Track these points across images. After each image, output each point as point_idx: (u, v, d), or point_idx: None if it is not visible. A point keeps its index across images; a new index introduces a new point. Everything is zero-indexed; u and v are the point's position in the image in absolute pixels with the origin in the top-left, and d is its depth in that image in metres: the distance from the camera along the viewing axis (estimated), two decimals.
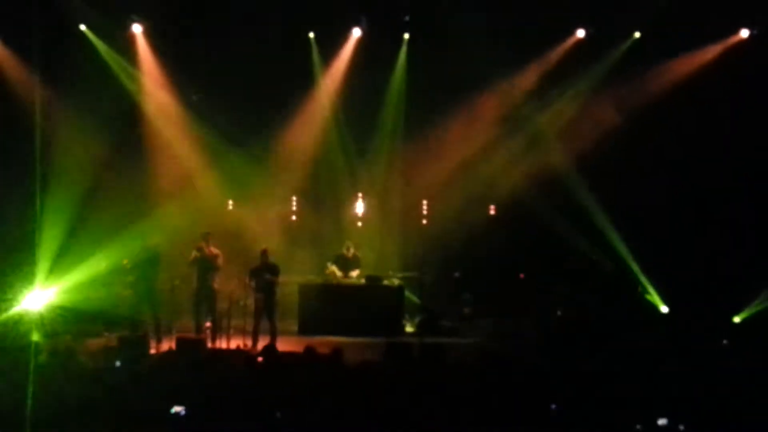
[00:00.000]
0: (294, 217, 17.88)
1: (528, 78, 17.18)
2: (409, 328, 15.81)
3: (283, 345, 12.26)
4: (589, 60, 17.08)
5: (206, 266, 14.11)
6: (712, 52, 16.77)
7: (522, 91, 17.24)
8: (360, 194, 17.95)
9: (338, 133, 17.81)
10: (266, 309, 13.95)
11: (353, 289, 15.71)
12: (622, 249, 16.69)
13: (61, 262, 15.27)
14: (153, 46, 17.03)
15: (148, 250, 14.06)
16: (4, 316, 13.48)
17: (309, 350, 9.89)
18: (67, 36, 16.22)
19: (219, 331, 13.80)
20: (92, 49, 16.68)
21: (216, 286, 14.17)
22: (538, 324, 15.82)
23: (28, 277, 14.66)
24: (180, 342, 12.20)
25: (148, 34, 16.95)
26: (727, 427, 8.03)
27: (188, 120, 17.33)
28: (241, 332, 13.99)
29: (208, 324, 13.91)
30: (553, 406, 8.17)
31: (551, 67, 17.10)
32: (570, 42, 17.08)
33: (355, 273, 15.84)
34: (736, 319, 15.51)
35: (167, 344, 13.02)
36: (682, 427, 7.83)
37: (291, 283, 15.50)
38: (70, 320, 14.25)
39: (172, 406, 7.89)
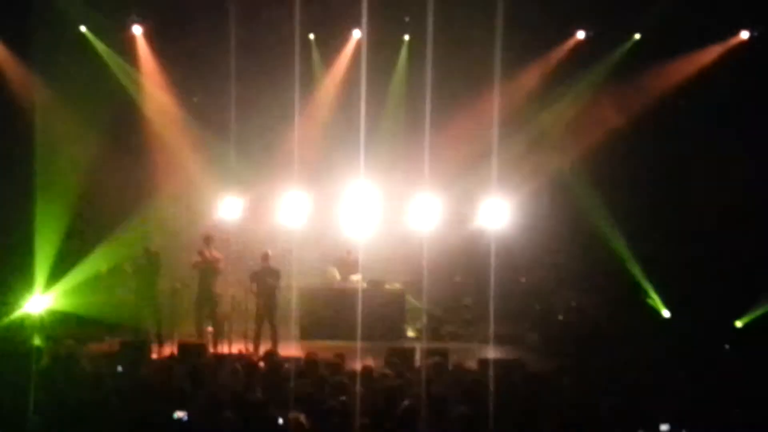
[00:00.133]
0: (295, 220, 17.80)
1: (528, 79, 17.17)
2: (410, 333, 15.80)
3: (284, 349, 12.27)
4: (590, 61, 17.07)
5: (208, 270, 14.10)
6: (713, 53, 16.76)
7: (522, 92, 17.22)
8: (361, 195, 17.88)
9: (339, 134, 17.78)
10: (267, 313, 13.94)
11: (355, 294, 15.68)
12: (624, 252, 16.69)
13: (61, 265, 15.27)
14: (153, 48, 17.01)
15: (149, 255, 14.04)
16: (6, 320, 13.49)
17: (310, 356, 9.87)
18: (66, 37, 16.18)
19: (220, 336, 13.81)
20: (92, 51, 16.66)
21: (217, 290, 14.16)
22: (540, 329, 15.83)
23: (28, 282, 14.67)
24: (181, 347, 12.18)
25: (148, 35, 16.93)
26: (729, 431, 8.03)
27: (188, 121, 17.31)
28: (243, 337, 13.99)
29: (209, 328, 13.91)
30: (554, 410, 8.16)
31: (551, 68, 17.10)
32: (570, 43, 17.08)
33: (356, 277, 15.81)
34: (738, 324, 15.51)
35: (169, 349, 13.01)
36: None
37: (292, 287, 15.47)
38: (72, 325, 14.27)
39: (173, 411, 7.89)
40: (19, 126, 15.94)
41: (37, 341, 12.55)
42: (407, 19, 17.04)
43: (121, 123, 16.80)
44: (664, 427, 7.88)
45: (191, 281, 14.34)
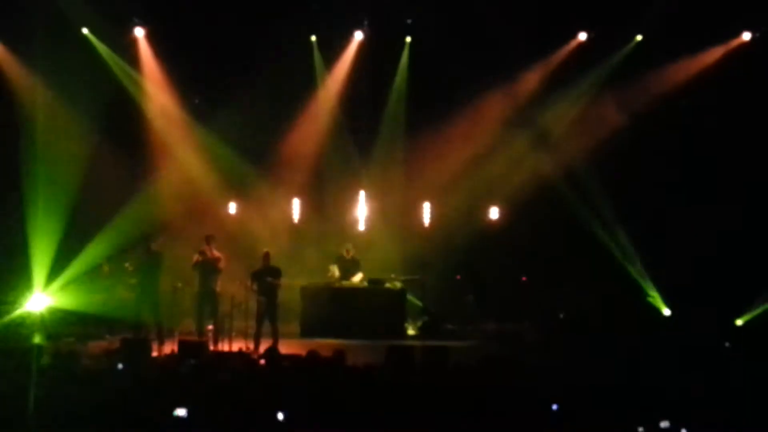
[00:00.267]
0: (296, 220, 17.87)
1: (530, 80, 17.18)
2: (411, 331, 15.80)
3: (285, 348, 12.26)
4: (592, 63, 17.08)
5: (208, 269, 14.10)
6: (714, 54, 16.77)
7: (524, 93, 17.23)
8: (362, 196, 17.93)
9: (340, 135, 17.82)
10: (268, 312, 13.94)
11: (355, 292, 15.71)
12: (625, 250, 16.71)
13: (63, 263, 15.31)
14: (155, 50, 17.03)
15: (150, 253, 14.06)
16: (6, 318, 13.51)
17: (311, 353, 9.88)
18: (69, 39, 16.22)
19: (221, 334, 13.81)
20: (94, 53, 16.69)
21: (218, 288, 14.17)
22: (541, 327, 15.84)
23: (29, 280, 14.70)
24: (182, 345, 12.17)
25: (150, 37, 16.97)
26: (729, 429, 8.02)
27: (190, 123, 17.34)
28: (243, 335, 14.00)
29: (210, 327, 13.92)
30: (554, 407, 8.16)
31: (553, 69, 17.11)
32: (572, 45, 17.09)
33: (357, 277, 15.83)
34: (739, 322, 15.51)
35: (169, 347, 13.01)
36: (684, 430, 7.83)
37: (293, 285, 15.49)
38: (73, 323, 14.29)
39: (174, 409, 7.90)
40: (21, 127, 16.00)
41: (37, 339, 12.58)
42: (409, 21, 17.02)
43: (123, 124, 16.83)
44: (663, 423, 7.87)
45: (192, 280, 14.35)
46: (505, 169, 17.15)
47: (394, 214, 17.77)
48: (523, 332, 15.94)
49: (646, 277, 16.63)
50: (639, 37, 16.91)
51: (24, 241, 15.17)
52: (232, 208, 17.58)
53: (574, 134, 17.03)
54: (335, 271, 15.76)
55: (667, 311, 16.47)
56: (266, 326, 13.97)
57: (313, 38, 17.40)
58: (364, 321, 15.24)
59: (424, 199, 17.72)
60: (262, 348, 13.46)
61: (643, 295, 16.45)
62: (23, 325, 13.46)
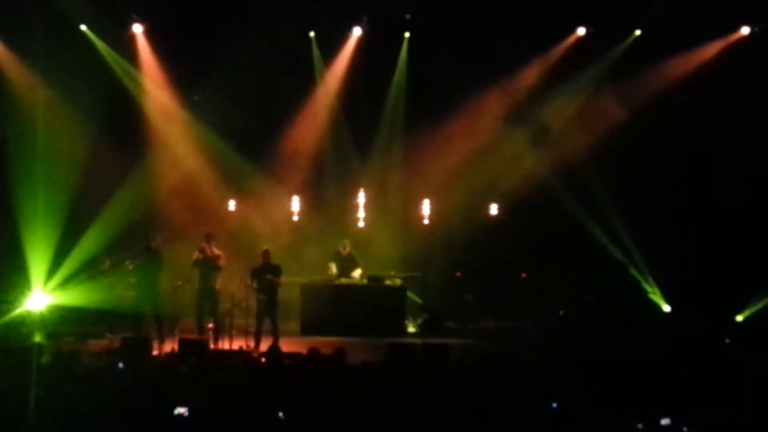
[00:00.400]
0: (295, 217, 17.86)
1: (529, 76, 17.17)
2: (411, 329, 15.80)
3: (285, 345, 12.22)
4: (590, 58, 17.07)
5: (208, 267, 14.10)
6: (713, 49, 16.76)
7: (523, 89, 17.22)
8: (362, 193, 17.93)
9: (340, 132, 17.81)
10: (268, 310, 13.94)
11: (355, 290, 15.70)
12: (625, 247, 16.71)
13: (62, 262, 15.31)
14: (153, 46, 17.01)
15: (149, 252, 14.05)
16: (7, 317, 13.51)
17: (312, 351, 9.87)
18: (67, 36, 16.20)
19: (221, 332, 13.81)
20: (92, 49, 16.67)
21: (218, 286, 14.17)
22: (541, 324, 15.85)
23: (29, 279, 14.70)
24: (182, 343, 12.16)
25: (149, 34, 16.94)
26: (729, 426, 8.02)
27: (189, 120, 17.32)
28: (244, 333, 14.00)
29: (210, 325, 13.92)
30: (554, 405, 8.16)
31: (552, 64, 17.09)
32: (571, 40, 17.08)
33: (357, 273, 15.82)
34: (739, 318, 15.52)
35: (170, 345, 13.01)
36: (685, 428, 7.82)
37: (293, 283, 15.48)
38: (73, 321, 14.29)
39: (175, 408, 7.89)
40: (20, 124, 15.98)
41: (38, 338, 12.57)
42: (408, 16, 16.99)
43: (121, 121, 16.81)
44: (664, 421, 7.87)
45: (192, 278, 14.35)
46: (504, 166, 17.15)
47: (394, 210, 17.78)
48: (523, 330, 15.96)
49: (646, 273, 16.64)
50: (638, 32, 16.89)
51: (24, 240, 15.16)
52: (232, 205, 17.57)
53: (573, 130, 17.03)
54: (333, 268, 15.76)
55: (667, 308, 16.48)
56: (266, 324, 13.98)
57: (312, 34, 17.38)
58: (364, 318, 15.23)
59: (423, 195, 17.71)
60: (263, 346, 13.49)
61: (643, 291, 16.45)
62: (23, 324, 13.46)
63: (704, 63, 16.73)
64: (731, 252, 15.73)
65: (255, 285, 13.96)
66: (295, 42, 17.13)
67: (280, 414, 7.87)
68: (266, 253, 14.21)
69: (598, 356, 11.72)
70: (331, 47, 17.47)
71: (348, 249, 15.99)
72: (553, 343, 14.41)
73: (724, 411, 8.12)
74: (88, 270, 15.11)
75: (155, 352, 12.64)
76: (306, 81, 17.57)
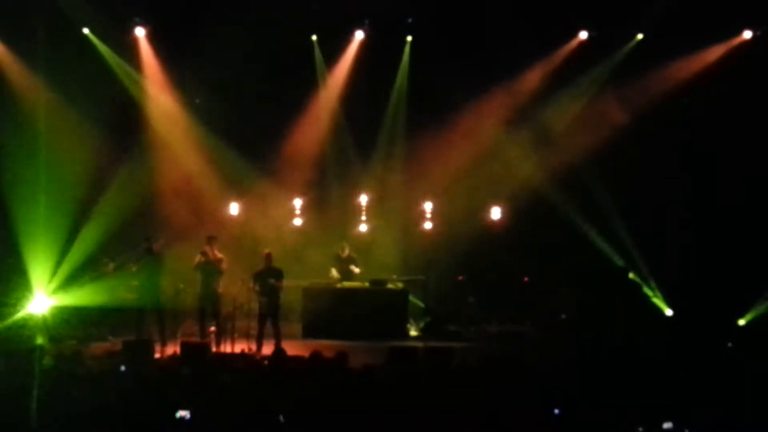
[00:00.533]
0: (297, 220, 17.86)
1: (532, 79, 17.17)
2: (413, 332, 15.79)
3: (287, 349, 12.14)
4: (593, 61, 17.08)
5: (210, 270, 14.11)
6: (716, 53, 16.76)
7: (526, 92, 17.22)
8: (364, 197, 17.93)
9: (341, 135, 17.82)
10: (270, 313, 13.95)
11: (357, 293, 15.70)
12: (627, 250, 16.71)
13: (65, 265, 15.32)
14: (155, 49, 17.03)
15: (151, 254, 14.06)
16: (9, 320, 13.52)
17: (315, 354, 9.87)
18: (70, 39, 16.22)
19: (223, 335, 13.82)
20: (95, 53, 16.69)
21: (220, 290, 14.18)
22: (542, 327, 15.83)
23: (31, 282, 14.71)
24: (184, 346, 12.16)
25: (151, 37, 16.96)
26: (731, 429, 8.01)
27: (191, 123, 17.33)
28: (246, 336, 14.00)
29: (212, 328, 13.91)
30: (557, 411, 8.15)
31: (555, 68, 17.10)
32: (573, 44, 17.08)
33: (357, 269, 15.79)
34: (741, 322, 15.50)
35: (172, 348, 13.02)
36: (686, 430, 7.81)
37: (295, 286, 15.48)
38: (75, 324, 14.29)
39: (176, 411, 7.90)
40: (23, 127, 16.00)
41: (40, 341, 12.58)
42: (410, 20, 17.00)
43: (124, 124, 16.83)
44: (666, 425, 7.86)
45: (194, 281, 14.35)
46: (506, 169, 17.15)
47: (396, 213, 17.76)
48: (524, 333, 15.94)
49: (648, 276, 16.63)
50: (640, 36, 16.90)
51: (25, 243, 15.17)
52: (234, 208, 17.57)
53: (575, 133, 17.02)
54: (334, 273, 15.77)
55: (669, 311, 16.47)
56: (268, 327, 13.98)
57: (314, 38, 17.39)
58: (366, 322, 15.23)
59: (425, 198, 17.70)
60: (265, 349, 13.50)
61: (644, 294, 16.44)
62: (26, 327, 13.47)
63: (706, 67, 16.72)
64: (733, 255, 15.70)
65: (257, 288, 13.96)
66: (297, 45, 17.13)
67: (282, 418, 7.86)
68: (268, 256, 14.22)
69: (599, 359, 11.70)
70: (333, 51, 17.48)
71: (347, 251, 15.98)
72: (555, 346, 14.40)
73: (726, 414, 8.11)
74: (91, 272, 15.11)
75: (157, 355, 12.64)
76: (308, 84, 17.58)
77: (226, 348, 13.54)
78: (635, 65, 16.72)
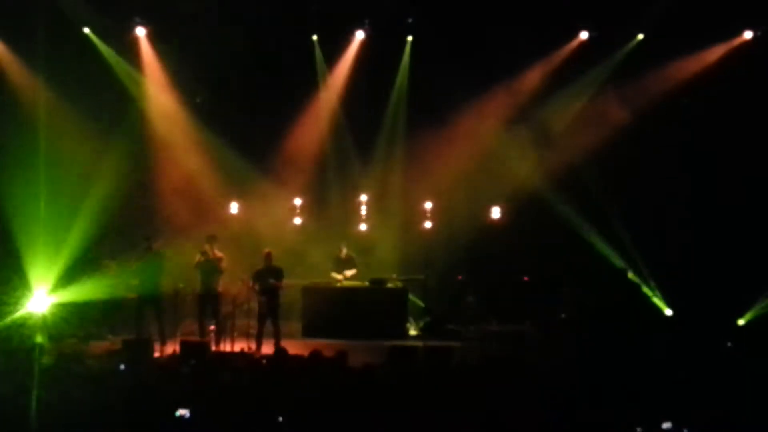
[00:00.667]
0: (298, 220, 17.87)
1: (532, 79, 17.17)
2: (412, 332, 15.79)
3: (286, 348, 12.16)
4: (593, 61, 17.07)
5: (210, 269, 14.13)
6: (716, 53, 16.75)
7: (526, 92, 17.23)
8: (364, 196, 17.94)
9: (342, 135, 17.82)
10: (270, 312, 13.96)
11: (357, 292, 15.70)
12: (626, 250, 16.71)
13: (65, 264, 15.31)
14: (156, 49, 17.03)
15: (151, 253, 14.07)
16: (8, 319, 13.52)
17: (315, 354, 9.88)
18: (70, 39, 16.23)
19: (223, 334, 13.83)
20: (95, 52, 16.69)
21: (220, 289, 14.19)
22: (542, 326, 15.83)
23: (31, 281, 14.70)
24: (184, 345, 12.19)
25: (151, 36, 16.96)
26: (731, 430, 8.01)
27: (191, 122, 17.33)
28: (245, 335, 14.01)
29: (212, 327, 13.92)
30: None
31: (555, 68, 17.10)
32: (573, 44, 17.08)
33: (349, 273, 15.81)
34: (741, 322, 15.50)
35: (171, 347, 13.03)
36: (685, 430, 7.81)
37: (295, 285, 15.49)
38: (74, 323, 14.28)
39: (176, 410, 7.90)
40: (23, 127, 16.00)
41: (39, 339, 12.58)
42: (410, 20, 17.00)
43: (125, 124, 16.82)
44: (665, 425, 7.86)
45: (194, 280, 14.36)
46: (506, 169, 17.14)
47: (396, 213, 17.77)
48: (524, 332, 15.94)
49: (648, 276, 16.63)
50: (640, 36, 16.90)
51: (26, 242, 15.17)
52: (234, 207, 17.58)
53: (575, 133, 17.03)
54: (335, 275, 15.78)
55: (668, 311, 16.46)
56: (268, 326, 13.99)
57: (315, 37, 17.39)
58: (365, 321, 15.24)
59: (425, 198, 17.71)
60: (264, 348, 13.51)
61: (644, 294, 16.43)
62: (25, 326, 13.46)
63: (707, 67, 16.71)
64: (733, 255, 15.70)
65: (257, 287, 13.97)
66: (297, 45, 17.14)
67: (282, 417, 7.87)
68: (268, 255, 14.23)
69: (599, 359, 11.70)
70: (333, 51, 17.48)
71: (345, 251, 15.98)
72: (555, 345, 14.40)
73: (726, 414, 8.11)
74: (92, 271, 15.11)
75: (157, 354, 12.68)
76: (308, 84, 17.58)
77: (226, 347, 13.55)
78: (635, 65, 16.72)
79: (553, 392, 8.66)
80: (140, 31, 16.86)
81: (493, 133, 17.26)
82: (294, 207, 17.76)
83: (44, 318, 14.06)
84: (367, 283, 15.81)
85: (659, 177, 16.56)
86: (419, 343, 13.44)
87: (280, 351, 10.78)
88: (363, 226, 17.84)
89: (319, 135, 17.71)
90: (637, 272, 16.57)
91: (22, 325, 13.43)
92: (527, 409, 8.20)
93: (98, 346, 13.42)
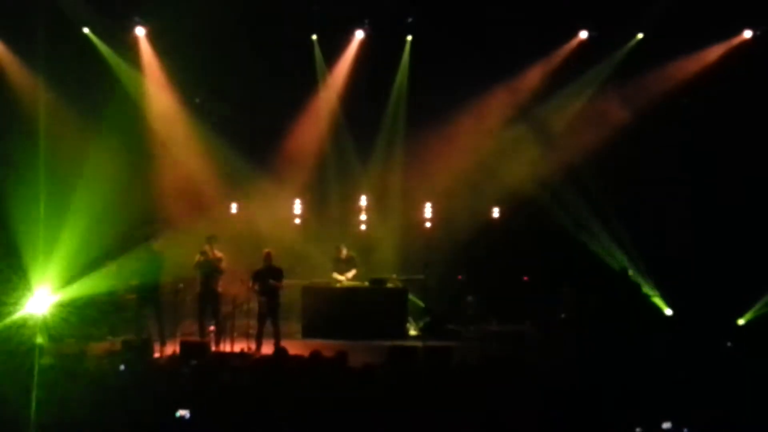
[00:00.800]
0: (298, 220, 17.87)
1: (532, 79, 17.18)
2: (412, 332, 15.78)
3: (286, 348, 12.16)
4: (593, 61, 17.08)
5: (210, 269, 14.12)
6: (716, 52, 16.75)
7: (526, 91, 17.23)
8: (363, 196, 17.94)
9: (341, 135, 17.82)
10: (270, 312, 13.95)
11: (357, 292, 15.69)
12: (626, 250, 16.71)
13: (65, 265, 15.30)
14: (155, 49, 17.02)
15: (151, 254, 14.07)
16: (8, 319, 13.50)
17: (315, 354, 9.88)
18: (70, 39, 16.22)
19: (223, 335, 13.82)
20: (95, 52, 16.69)
21: (220, 289, 14.18)
22: (542, 326, 15.84)
23: (31, 281, 14.69)
24: (184, 345, 12.18)
25: (151, 36, 16.96)
26: (731, 430, 8.01)
27: (191, 122, 17.33)
28: (245, 335, 14.01)
29: (211, 327, 13.92)
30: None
31: (555, 68, 17.10)
32: (573, 43, 17.09)
33: (350, 273, 15.81)
34: (741, 322, 15.50)
35: (171, 348, 13.02)
36: (685, 430, 7.82)
37: (294, 285, 15.48)
38: (74, 323, 14.27)
39: (176, 410, 7.90)
40: (23, 127, 16.00)
41: (39, 340, 12.56)
42: (410, 19, 17.00)
43: (125, 124, 16.80)
44: (665, 425, 7.86)
45: (193, 280, 14.36)
46: (506, 169, 17.14)
47: (396, 213, 17.77)
48: (524, 332, 15.94)
49: (648, 276, 16.62)
50: (640, 36, 16.90)
51: (25, 242, 15.17)
52: (234, 208, 17.57)
53: (574, 132, 17.04)
54: (336, 276, 15.77)
55: (668, 311, 16.46)
56: (268, 326, 13.98)
57: (314, 37, 17.39)
58: (365, 321, 15.22)
59: (425, 198, 17.72)
60: (264, 348, 13.50)
61: (644, 294, 16.43)
62: (25, 326, 13.45)
63: (706, 66, 16.72)
64: (733, 255, 15.70)
65: (257, 287, 13.96)
66: (297, 45, 17.13)
67: (281, 416, 7.87)
68: (268, 255, 14.22)
69: (598, 359, 11.70)
70: (333, 50, 17.47)
71: (344, 252, 15.96)
72: (555, 345, 14.41)
73: (725, 413, 8.11)
74: (91, 272, 15.10)
75: (156, 355, 12.69)
76: (308, 84, 17.58)
77: (226, 347, 13.55)
78: (635, 65, 16.73)
79: (553, 392, 8.66)
80: (140, 31, 16.85)
81: (493, 133, 17.26)
82: (294, 207, 17.76)
83: (44, 318, 14.06)
84: (366, 283, 15.79)
85: (659, 176, 16.56)
86: (419, 343, 13.44)
87: (280, 351, 10.77)
88: (363, 226, 17.84)
89: (319, 135, 17.71)
90: (637, 272, 16.56)
91: (22, 325, 13.42)
92: (527, 409, 8.20)
93: (98, 346, 13.38)
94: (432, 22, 16.58)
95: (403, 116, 17.80)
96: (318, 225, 17.58)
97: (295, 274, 15.54)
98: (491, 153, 17.18)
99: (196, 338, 13.77)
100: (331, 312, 15.29)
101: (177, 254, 14.65)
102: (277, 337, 13.82)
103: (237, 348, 13.33)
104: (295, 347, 12.48)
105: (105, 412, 7.91)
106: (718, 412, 8.15)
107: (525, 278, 17.05)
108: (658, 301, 16.53)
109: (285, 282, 14.29)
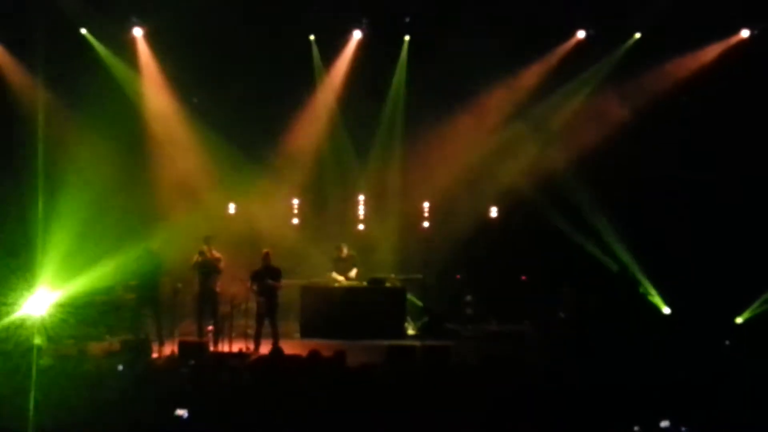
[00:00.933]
0: (296, 219, 17.87)
1: (530, 78, 17.18)
2: (411, 331, 15.78)
3: (285, 348, 12.17)
4: (590, 61, 17.09)
5: (208, 269, 14.14)
6: (713, 51, 16.77)
7: (523, 91, 17.23)
8: (362, 196, 17.94)
9: (339, 135, 17.82)
10: (268, 312, 13.95)
11: (355, 292, 15.69)
12: (625, 249, 16.71)
13: (63, 265, 15.29)
14: (153, 49, 17.02)
15: (150, 254, 14.07)
16: (6, 320, 13.50)
17: (313, 353, 9.88)
18: (67, 39, 16.21)
19: (221, 335, 13.81)
20: (93, 53, 16.68)
21: (218, 289, 14.19)
22: (540, 326, 15.84)
23: (29, 281, 14.68)
24: (182, 345, 12.20)
25: (149, 37, 16.95)
26: (729, 428, 8.02)
27: (189, 123, 17.32)
28: (243, 335, 14.01)
29: (210, 327, 13.93)
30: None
31: (552, 67, 17.10)
32: (570, 43, 17.09)
33: (353, 273, 15.80)
34: (739, 320, 15.51)
35: (169, 348, 13.03)
36: (684, 429, 7.82)
37: (293, 285, 15.48)
38: (73, 324, 14.27)
39: (174, 410, 7.91)
40: (21, 128, 15.99)
41: (38, 340, 12.56)
42: (408, 19, 17.00)
43: (123, 124, 16.79)
44: (663, 423, 7.87)
45: (192, 280, 14.36)
46: (505, 168, 17.15)
47: (394, 213, 17.77)
48: (523, 332, 15.95)
49: (646, 275, 16.63)
50: (638, 35, 16.91)
51: (24, 243, 15.16)
52: (232, 208, 17.56)
53: (574, 131, 17.04)
54: (336, 275, 15.77)
55: (666, 310, 16.47)
56: (266, 326, 13.99)
57: (312, 37, 17.38)
58: (364, 321, 15.21)
59: (424, 198, 17.72)
60: (263, 348, 13.51)
61: (642, 293, 16.43)
62: (23, 327, 13.45)
63: (704, 65, 16.73)
64: (731, 254, 15.71)
65: (255, 288, 13.97)
66: (295, 45, 17.13)
67: (280, 417, 7.87)
68: (266, 255, 14.22)
69: (597, 358, 11.72)
70: (331, 50, 17.47)
71: (345, 251, 15.96)
72: (554, 345, 14.41)
73: (724, 413, 8.12)
74: (90, 272, 15.10)
75: (155, 355, 12.68)
76: (306, 84, 17.57)
77: (224, 347, 13.54)
78: (633, 64, 16.73)
79: (552, 392, 8.67)
80: (137, 32, 16.84)
81: (492, 132, 17.26)
82: (292, 206, 17.77)
83: (43, 319, 14.05)
84: (365, 283, 15.79)
85: (658, 175, 16.57)
86: (417, 343, 13.46)
87: (278, 351, 10.78)
88: (361, 226, 17.84)
89: (317, 135, 17.70)
90: (635, 271, 16.56)
91: (20, 326, 13.41)
92: (526, 408, 8.20)
93: (97, 346, 13.39)
94: (429, 21, 16.58)
95: (401, 116, 17.79)
96: (316, 225, 17.57)
97: (293, 274, 15.53)
98: (490, 152, 17.19)
99: (194, 338, 13.78)
100: (329, 312, 15.29)
101: (175, 254, 14.66)
102: (275, 337, 13.83)
103: (235, 348, 13.33)
104: (293, 347, 12.51)
105: (104, 413, 7.92)
106: (716, 411, 8.16)
107: (523, 277, 17.05)
108: (656, 299, 16.53)
109: (283, 282, 14.30)
